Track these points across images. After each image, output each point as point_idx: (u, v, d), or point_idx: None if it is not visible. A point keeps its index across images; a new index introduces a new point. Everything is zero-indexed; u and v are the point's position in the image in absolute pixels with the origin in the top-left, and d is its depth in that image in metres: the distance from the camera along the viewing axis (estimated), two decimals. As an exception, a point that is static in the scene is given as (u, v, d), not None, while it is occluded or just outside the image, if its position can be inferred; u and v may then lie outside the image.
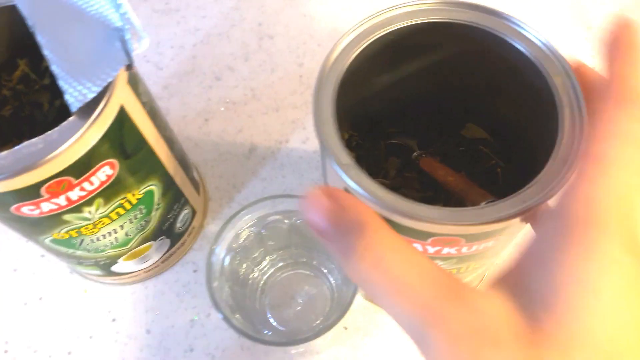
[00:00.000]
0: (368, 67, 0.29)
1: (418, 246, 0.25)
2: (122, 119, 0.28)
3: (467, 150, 0.35)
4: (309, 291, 0.38)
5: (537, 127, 0.28)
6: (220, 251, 0.33)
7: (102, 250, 0.35)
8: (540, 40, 0.27)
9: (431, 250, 0.25)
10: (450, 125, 0.35)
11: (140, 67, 0.51)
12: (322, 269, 0.38)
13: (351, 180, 0.23)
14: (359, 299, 0.40)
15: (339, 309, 0.30)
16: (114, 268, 0.38)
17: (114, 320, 0.40)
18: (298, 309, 0.38)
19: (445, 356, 0.15)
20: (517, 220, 0.23)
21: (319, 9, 0.52)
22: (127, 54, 0.26)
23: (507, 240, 0.27)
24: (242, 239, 0.34)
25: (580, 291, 0.15)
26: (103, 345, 0.39)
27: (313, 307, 0.38)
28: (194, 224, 0.41)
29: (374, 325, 0.38)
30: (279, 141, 0.46)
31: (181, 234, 0.40)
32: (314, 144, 0.45)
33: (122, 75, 0.28)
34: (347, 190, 0.24)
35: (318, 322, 0.36)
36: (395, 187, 0.34)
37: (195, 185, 0.41)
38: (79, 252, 0.34)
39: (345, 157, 0.24)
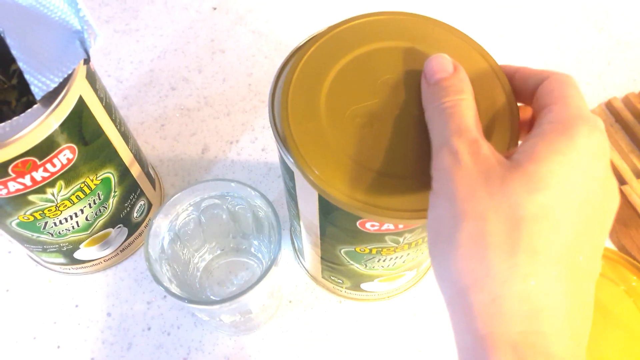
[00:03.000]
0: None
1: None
2: (81, 109, 0.32)
3: None
4: (245, 276, 0.42)
5: None
6: (160, 231, 0.36)
7: (64, 235, 0.38)
8: None
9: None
10: None
11: (103, 81, 0.55)
12: (259, 254, 0.42)
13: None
14: (304, 277, 0.44)
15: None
16: (77, 255, 0.41)
17: (76, 306, 0.43)
18: (234, 289, 0.42)
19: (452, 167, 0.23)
20: None
21: (266, 26, 0.58)
22: (85, 50, 0.31)
23: None
24: (181, 222, 0.37)
25: (554, 151, 0.22)
26: (66, 329, 0.42)
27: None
28: (150, 216, 0.45)
29: (314, 297, 0.43)
30: (230, 141, 0.50)
31: (138, 224, 0.44)
32: (261, 143, 0.50)
33: (81, 70, 0.32)
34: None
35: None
36: None
37: (151, 180, 0.45)
38: (43, 237, 0.38)
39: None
